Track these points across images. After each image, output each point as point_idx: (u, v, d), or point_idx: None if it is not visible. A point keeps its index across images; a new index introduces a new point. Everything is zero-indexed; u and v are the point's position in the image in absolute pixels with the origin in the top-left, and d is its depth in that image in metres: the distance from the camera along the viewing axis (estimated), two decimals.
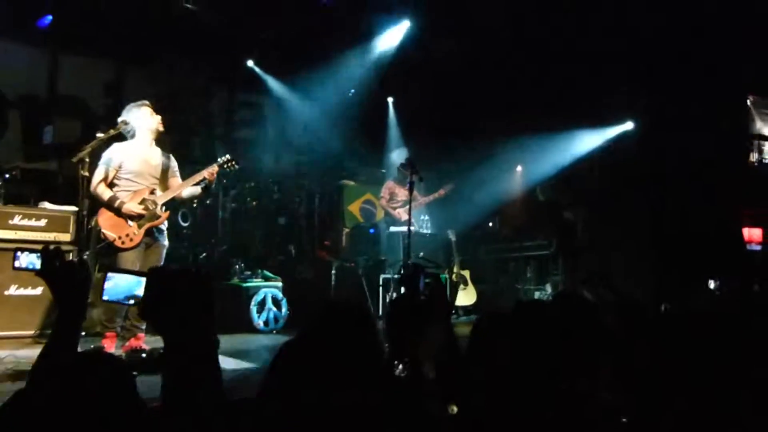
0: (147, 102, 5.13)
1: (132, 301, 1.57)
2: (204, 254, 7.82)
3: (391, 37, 9.76)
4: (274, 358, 1.59)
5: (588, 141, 10.16)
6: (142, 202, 4.92)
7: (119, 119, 4.84)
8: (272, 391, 1.53)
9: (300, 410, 1.38)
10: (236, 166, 5.41)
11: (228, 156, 5.35)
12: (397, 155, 10.01)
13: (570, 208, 9.53)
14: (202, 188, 5.23)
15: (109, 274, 1.64)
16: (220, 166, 5.28)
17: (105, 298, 1.65)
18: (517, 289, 9.78)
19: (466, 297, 8.70)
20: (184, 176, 5.32)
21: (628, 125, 10.06)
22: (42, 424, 1.27)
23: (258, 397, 1.57)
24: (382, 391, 1.51)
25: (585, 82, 9.00)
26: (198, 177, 5.12)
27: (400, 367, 1.94)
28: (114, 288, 1.64)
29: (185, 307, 1.51)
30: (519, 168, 11.18)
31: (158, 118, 5.10)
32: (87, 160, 4.44)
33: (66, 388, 1.38)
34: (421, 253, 7.95)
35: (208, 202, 5.51)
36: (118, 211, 4.83)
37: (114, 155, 4.91)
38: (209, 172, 5.14)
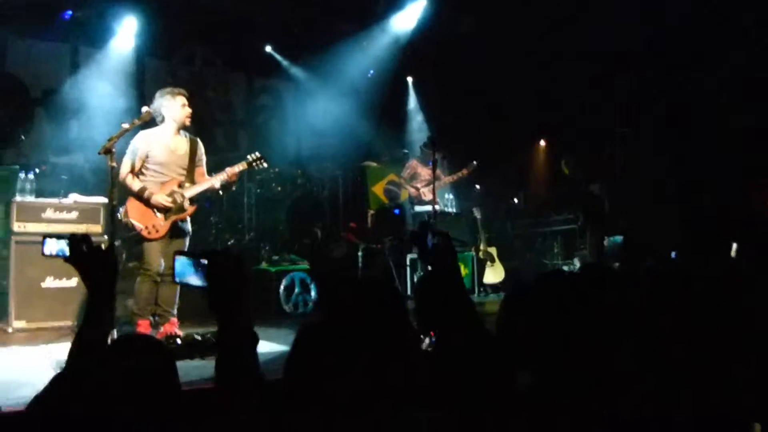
0: (183, 91, 5.08)
1: (202, 284, 1.58)
2: (231, 240, 7.90)
3: (408, 16, 9.68)
4: (296, 338, 1.60)
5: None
6: (170, 194, 4.95)
7: (143, 108, 4.86)
8: (296, 372, 1.55)
9: (324, 390, 1.39)
10: (265, 164, 5.36)
11: (257, 154, 5.30)
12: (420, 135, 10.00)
13: (596, 181, 9.42)
14: (219, 187, 5.15)
15: (178, 258, 1.66)
16: (249, 164, 5.25)
17: (177, 280, 1.67)
18: (545, 264, 9.72)
19: (493, 274, 8.67)
20: (209, 164, 5.34)
21: None
22: (83, 406, 1.29)
23: (284, 378, 1.59)
24: (410, 368, 1.51)
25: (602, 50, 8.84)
26: (221, 176, 5.08)
27: (427, 341, 1.95)
28: (185, 271, 1.65)
29: (238, 290, 1.53)
30: (543, 142, 11.07)
31: (189, 110, 5.04)
32: (113, 150, 4.48)
33: (107, 371, 1.41)
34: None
35: (233, 188, 5.53)
36: (147, 202, 4.88)
37: (140, 144, 4.93)
38: (232, 171, 5.10)
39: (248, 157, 5.31)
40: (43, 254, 2.04)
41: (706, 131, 8.23)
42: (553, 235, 9.87)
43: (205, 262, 1.58)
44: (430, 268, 2.04)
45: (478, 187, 9.32)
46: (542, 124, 10.15)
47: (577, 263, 9.19)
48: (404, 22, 9.76)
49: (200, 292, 1.59)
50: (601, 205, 9.05)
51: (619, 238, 7.71)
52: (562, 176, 10.10)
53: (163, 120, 5.01)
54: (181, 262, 1.65)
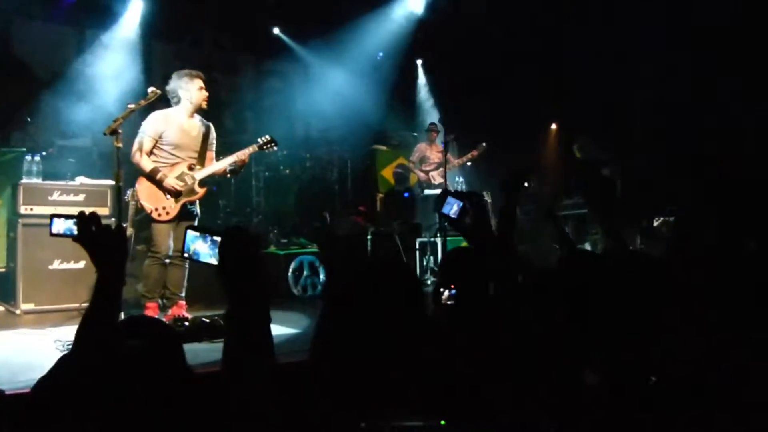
0: (201, 74, 5.04)
1: (214, 261, 1.54)
2: (240, 224, 7.86)
3: None
4: (319, 317, 1.56)
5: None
6: (181, 176, 4.90)
7: (149, 89, 4.80)
8: (322, 349, 1.50)
9: (349, 365, 1.34)
10: (275, 148, 5.31)
11: (268, 137, 5.25)
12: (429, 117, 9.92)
13: (608, 165, 9.30)
14: (229, 170, 5.12)
15: (189, 232, 1.62)
16: (260, 147, 5.21)
17: (186, 255, 1.63)
18: (556, 249, 9.63)
19: None
20: (217, 147, 5.29)
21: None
22: (91, 388, 1.25)
23: (310, 358, 1.54)
24: (424, 335, 1.46)
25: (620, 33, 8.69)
26: (232, 158, 5.05)
27: (446, 293, 1.89)
28: (195, 246, 1.61)
29: (252, 268, 1.48)
30: (554, 125, 10.96)
31: (205, 94, 5.00)
32: (119, 131, 4.42)
33: (115, 352, 1.37)
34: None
35: (242, 171, 5.49)
36: (158, 184, 4.83)
37: (154, 125, 4.87)
38: (243, 154, 5.06)
39: (259, 140, 5.26)
40: (50, 233, 2.00)
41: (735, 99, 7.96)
42: (564, 219, 9.77)
43: (218, 239, 1.53)
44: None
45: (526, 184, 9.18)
46: (555, 105, 10.02)
47: (588, 248, 9.09)
48: (414, 3, 9.64)
49: (209, 267, 1.54)
50: (612, 188, 8.93)
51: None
52: (574, 159, 9.98)
53: (178, 101, 4.97)
54: (193, 238, 1.61)
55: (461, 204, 1.86)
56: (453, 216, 1.88)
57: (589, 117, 9.66)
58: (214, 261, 1.55)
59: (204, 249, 1.59)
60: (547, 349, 1.51)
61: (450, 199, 1.88)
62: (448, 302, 1.89)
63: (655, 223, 7.66)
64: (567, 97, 9.61)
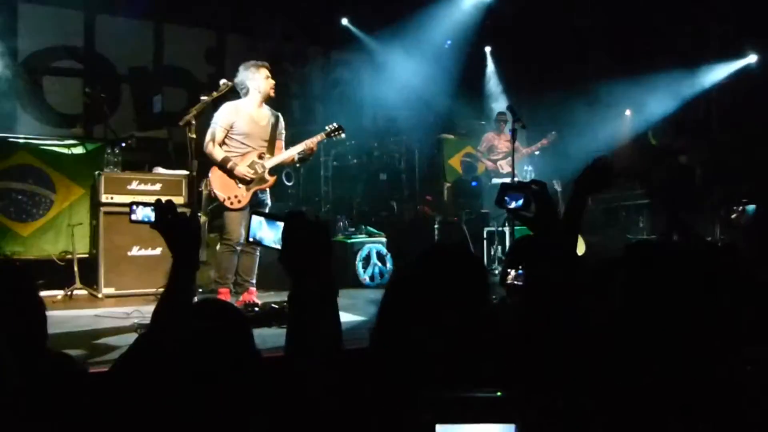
0: (266, 64, 5.14)
1: (277, 246, 1.59)
2: (304, 210, 7.98)
3: None
4: (382, 301, 1.57)
5: (704, 78, 9.44)
6: (251, 165, 5.01)
7: (221, 81, 4.92)
8: (383, 335, 1.51)
9: (409, 352, 1.35)
10: (342, 135, 5.38)
11: (335, 124, 5.33)
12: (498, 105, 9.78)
13: (685, 152, 8.94)
14: (298, 159, 5.22)
15: (254, 217, 1.68)
16: (328, 134, 5.29)
17: (250, 239, 1.68)
18: (629, 239, 9.36)
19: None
20: (286, 137, 5.38)
21: (751, 58, 9.25)
22: (166, 366, 1.30)
23: (371, 344, 1.55)
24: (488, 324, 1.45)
25: (696, 12, 8.31)
26: (301, 146, 5.14)
27: (512, 273, 1.88)
28: (260, 230, 1.66)
29: (315, 250, 1.51)
30: (628, 112, 10.60)
31: (272, 82, 5.10)
32: (193, 122, 4.56)
33: (187, 332, 1.41)
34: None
35: (311, 160, 5.58)
36: (230, 173, 4.95)
37: (225, 115, 5.00)
38: (312, 142, 5.15)
39: (326, 127, 5.33)
40: (130, 220, 2.10)
41: None
42: (638, 208, 9.48)
43: (280, 223, 1.56)
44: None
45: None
46: (628, 92, 9.69)
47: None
48: None
49: (272, 250, 1.58)
50: (692, 175, 8.57)
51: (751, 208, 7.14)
52: (650, 147, 9.64)
53: (247, 92, 5.08)
54: (258, 223, 1.65)
55: (521, 197, 1.82)
56: (515, 207, 1.84)
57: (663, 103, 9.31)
58: (277, 246, 1.58)
59: (268, 234, 1.63)
60: (603, 338, 1.47)
61: (509, 194, 1.84)
62: (515, 282, 1.87)
63: (733, 215, 7.31)
64: (639, 83, 9.26)
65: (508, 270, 1.91)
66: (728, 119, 9.07)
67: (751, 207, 7.20)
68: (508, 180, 6.68)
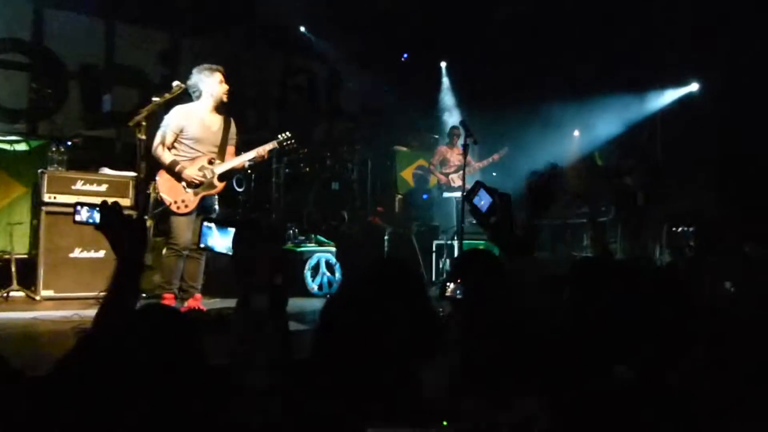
0: (221, 69, 5.10)
1: (228, 252, 1.59)
2: (256, 218, 7.90)
3: None
4: (320, 315, 1.57)
5: (649, 103, 9.78)
6: (201, 169, 4.95)
7: (174, 83, 4.86)
8: (323, 348, 1.52)
9: (349, 363, 1.35)
10: (295, 145, 5.36)
11: (288, 134, 5.30)
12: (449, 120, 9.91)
13: (630, 174, 9.22)
14: (248, 166, 5.20)
15: (205, 223, 1.67)
16: (280, 144, 5.27)
17: (202, 245, 1.68)
18: (574, 256, 9.56)
19: None
20: (239, 143, 5.33)
21: (693, 86, 9.64)
22: (108, 367, 1.28)
23: (312, 356, 1.56)
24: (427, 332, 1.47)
25: (644, 41, 8.63)
26: (251, 154, 5.10)
27: (452, 286, 1.90)
28: (212, 237, 1.66)
29: (267, 258, 1.50)
30: (576, 132, 10.88)
31: (226, 87, 5.07)
32: (143, 124, 4.49)
33: (131, 334, 1.39)
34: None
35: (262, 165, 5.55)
36: (177, 176, 4.88)
37: (176, 119, 4.94)
38: (263, 149, 5.11)
39: (279, 136, 5.31)
40: (74, 221, 2.06)
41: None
42: (582, 227, 9.70)
43: (232, 230, 1.56)
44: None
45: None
46: (578, 113, 9.95)
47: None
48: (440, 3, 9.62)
49: (221, 256, 1.58)
50: (635, 197, 8.84)
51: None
52: (596, 167, 9.91)
53: (200, 96, 5.02)
54: (207, 229, 1.65)
55: (491, 200, 1.87)
56: (481, 209, 1.88)
57: (609, 125, 9.62)
58: (229, 252, 1.58)
59: (219, 241, 1.63)
60: (554, 348, 1.51)
61: (482, 191, 1.89)
62: (455, 295, 1.90)
63: (677, 231, 7.58)
64: (587, 105, 9.54)
65: (448, 283, 1.93)
66: (671, 144, 9.41)
67: (689, 231, 7.46)
68: (459, 194, 6.76)
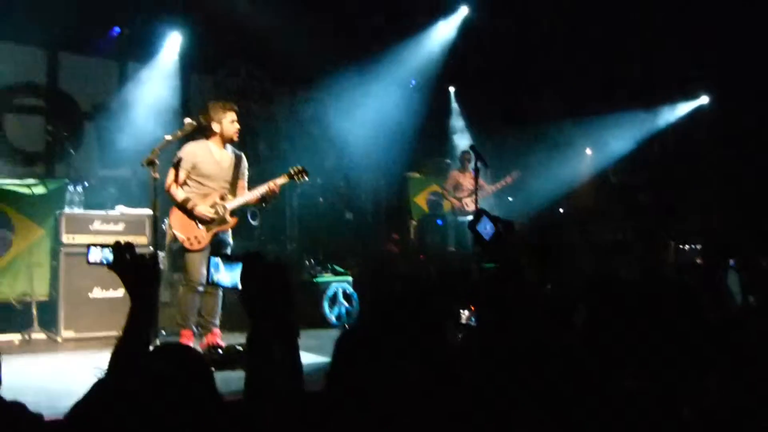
0: (234, 107, 5.14)
1: (236, 286, 1.61)
2: (274, 252, 7.93)
3: (449, 25, 9.65)
4: (335, 348, 1.57)
5: (660, 119, 9.76)
6: (213, 206, 4.99)
7: (186, 120, 4.92)
8: (337, 380, 1.51)
9: (364, 395, 1.35)
10: (306, 178, 5.28)
11: (299, 167, 5.25)
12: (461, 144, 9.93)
13: (644, 190, 9.17)
14: (260, 200, 5.17)
15: (212, 259, 1.69)
16: (290, 176, 5.21)
17: (210, 280, 1.70)
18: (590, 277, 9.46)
19: None
20: (251, 176, 5.36)
21: (703, 99, 9.61)
22: (122, 413, 1.28)
23: (324, 388, 1.55)
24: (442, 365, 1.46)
25: (652, 56, 8.64)
26: (263, 189, 5.09)
27: (465, 314, 1.89)
28: (218, 272, 1.68)
29: (274, 293, 1.51)
30: (589, 151, 10.86)
31: (237, 126, 5.09)
32: (157, 162, 4.54)
33: (146, 378, 1.39)
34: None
35: (275, 200, 5.54)
36: (189, 213, 4.92)
37: (186, 156, 4.99)
38: (275, 184, 5.09)
39: (290, 169, 5.28)
40: (87, 262, 2.07)
41: None
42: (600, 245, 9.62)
43: (239, 264, 1.58)
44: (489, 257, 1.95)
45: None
46: (589, 131, 9.95)
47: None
48: (446, 29, 9.73)
49: (232, 291, 1.59)
50: (647, 215, 8.79)
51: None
52: (610, 185, 9.86)
53: (211, 133, 5.06)
54: (215, 264, 1.66)
55: (494, 228, 1.90)
56: (484, 236, 1.90)
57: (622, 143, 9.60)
58: (236, 287, 1.58)
59: (225, 276, 1.64)
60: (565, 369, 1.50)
61: (485, 219, 1.92)
62: (468, 323, 1.90)
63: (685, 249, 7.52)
64: (599, 123, 9.54)
65: (461, 311, 1.93)
66: (683, 157, 9.36)
67: (695, 248, 7.39)
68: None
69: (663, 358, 1.52)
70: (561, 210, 10.58)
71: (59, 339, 5.63)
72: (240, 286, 1.55)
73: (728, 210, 8.15)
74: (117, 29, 8.40)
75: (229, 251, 5.13)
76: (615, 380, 1.44)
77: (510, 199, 8.95)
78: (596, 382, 1.42)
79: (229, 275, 1.64)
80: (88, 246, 2.06)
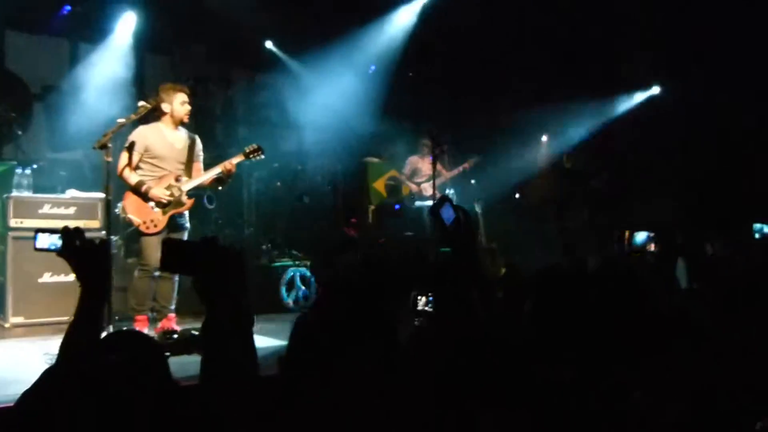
0: (185, 88, 5.11)
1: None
2: (231, 236, 7.86)
3: (409, 10, 9.65)
4: (291, 333, 1.58)
5: (614, 107, 9.98)
6: (168, 188, 4.92)
7: (139, 103, 4.83)
8: (293, 364, 1.53)
9: (318, 379, 1.36)
10: (262, 156, 5.24)
11: (255, 145, 5.21)
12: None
13: (597, 176, 9.37)
14: (215, 179, 5.12)
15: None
16: (246, 155, 5.18)
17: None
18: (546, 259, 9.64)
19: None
20: (208, 159, 5.31)
21: (655, 90, 9.85)
22: (74, 400, 1.27)
23: (281, 372, 1.56)
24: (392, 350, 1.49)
25: (608, 47, 8.81)
26: (219, 168, 5.06)
27: (423, 300, 1.93)
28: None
29: (228, 277, 1.51)
30: (545, 137, 11.02)
31: (188, 108, 5.06)
32: (110, 145, 4.45)
33: (97, 364, 1.38)
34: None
35: (230, 181, 5.48)
36: (144, 196, 4.85)
37: (139, 139, 4.91)
38: (230, 163, 5.05)
39: (245, 148, 5.24)
40: (35, 248, 2.02)
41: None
42: (555, 231, 9.79)
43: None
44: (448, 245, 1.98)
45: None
46: (545, 119, 10.10)
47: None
48: (406, 15, 9.72)
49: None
50: (601, 200, 8.99)
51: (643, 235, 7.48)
52: (564, 170, 10.04)
53: (163, 115, 4.99)
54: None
55: (456, 215, 1.95)
56: (446, 222, 1.94)
57: (576, 130, 9.79)
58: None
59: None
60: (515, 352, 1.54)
61: (449, 206, 1.96)
62: (426, 308, 1.93)
63: (638, 239, 7.70)
64: (557, 109, 9.69)
65: (418, 297, 1.96)
66: (635, 145, 9.60)
67: (642, 236, 7.54)
68: (430, 203, 6.81)
69: (599, 345, 1.56)
70: (517, 196, 10.74)
71: (7, 325, 5.49)
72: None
73: (677, 197, 8.40)
74: (68, 7, 8.15)
75: (185, 235, 5.08)
76: (553, 369, 1.49)
77: (473, 182, 9.02)
78: (535, 370, 1.46)
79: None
80: (36, 231, 2.01)
